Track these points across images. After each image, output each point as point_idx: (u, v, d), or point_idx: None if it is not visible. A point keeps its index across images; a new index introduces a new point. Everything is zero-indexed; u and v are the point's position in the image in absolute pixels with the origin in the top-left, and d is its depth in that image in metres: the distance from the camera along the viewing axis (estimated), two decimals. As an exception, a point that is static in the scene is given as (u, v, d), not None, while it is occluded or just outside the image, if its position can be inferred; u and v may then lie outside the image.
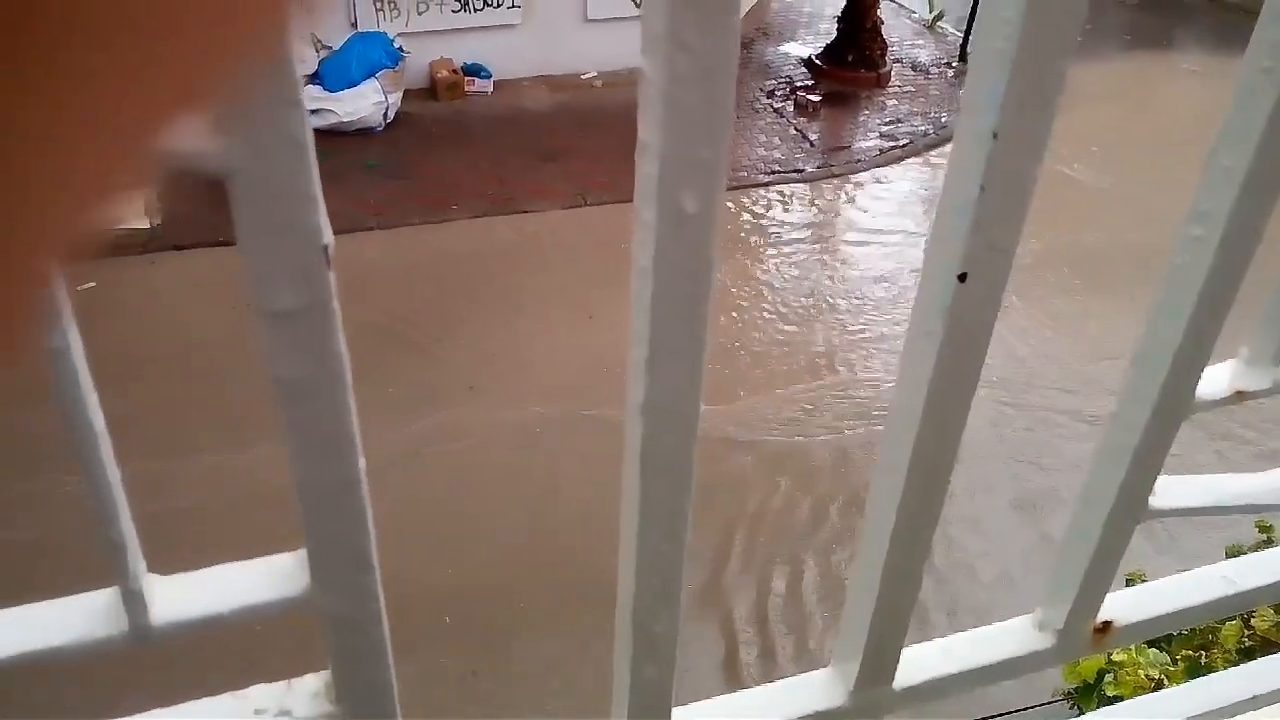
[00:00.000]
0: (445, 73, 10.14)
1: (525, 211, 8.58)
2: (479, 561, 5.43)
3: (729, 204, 8.41)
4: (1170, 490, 0.75)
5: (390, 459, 5.78)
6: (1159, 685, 3.07)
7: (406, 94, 9.79)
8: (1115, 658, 3.19)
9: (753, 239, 8.55)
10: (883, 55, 11.36)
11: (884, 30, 11.44)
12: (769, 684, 0.75)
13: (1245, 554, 1.21)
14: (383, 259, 7.60)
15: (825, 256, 8.45)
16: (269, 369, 0.41)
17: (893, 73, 11.41)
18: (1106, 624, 0.81)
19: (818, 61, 11.40)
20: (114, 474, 0.45)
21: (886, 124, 10.54)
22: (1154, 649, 3.27)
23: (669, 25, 0.37)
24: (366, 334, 6.56)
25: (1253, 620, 3.22)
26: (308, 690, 0.59)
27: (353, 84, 9.19)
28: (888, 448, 0.63)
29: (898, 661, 0.74)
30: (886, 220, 8.95)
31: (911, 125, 10.50)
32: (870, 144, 10.17)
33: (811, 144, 10.07)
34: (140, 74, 0.15)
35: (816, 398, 6.77)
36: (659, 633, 0.61)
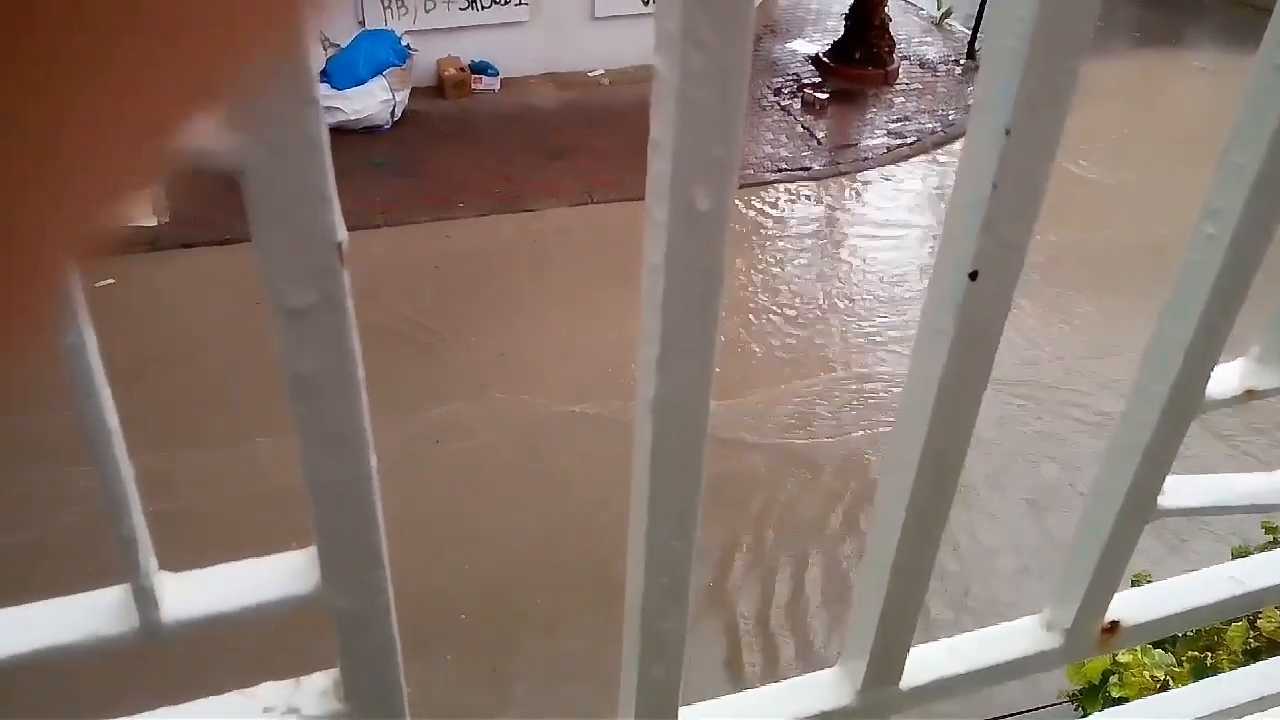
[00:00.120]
0: (452, 70, 10.14)
1: (532, 209, 8.58)
2: (489, 560, 5.43)
3: (735, 201, 8.39)
4: (1179, 490, 0.75)
5: (397, 458, 5.80)
6: (1164, 686, 3.07)
7: (414, 92, 9.80)
8: (1120, 659, 3.18)
9: (759, 237, 8.54)
10: (890, 52, 11.33)
11: (892, 27, 11.41)
12: (776, 683, 0.75)
13: (1252, 554, 1.21)
14: (389, 256, 7.61)
15: (832, 254, 8.44)
16: (283, 366, 0.42)
17: (900, 70, 11.38)
18: (1114, 624, 0.80)
19: (825, 59, 11.38)
20: (127, 470, 0.45)
21: (894, 122, 10.51)
22: (1159, 650, 3.26)
23: (683, 23, 0.37)
24: (373, 332, 6.56)
25: (1259, 621, 3.21)
26: (316, 688, 0.59)
27: (360, 82, 9.20)
28: (897, 446, 0.63)
29: (905, 661, 0.74)
30: (894, 218, 8.93)
31: (919, 123, 10.47)
32: (877, 142, 10.15)
33: (819, 142, 10.05)
34: (154, 70, 0.15)
35: (823, 395, 6.76)
36: (667, 630, 0.61)
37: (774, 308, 7.59)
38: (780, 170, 9.47)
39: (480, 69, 10.29)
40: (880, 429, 6.43)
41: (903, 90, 11.16)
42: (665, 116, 0.40)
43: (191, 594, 0.51)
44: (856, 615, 0.72)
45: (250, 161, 0.36)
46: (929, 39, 12.48)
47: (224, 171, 0.35)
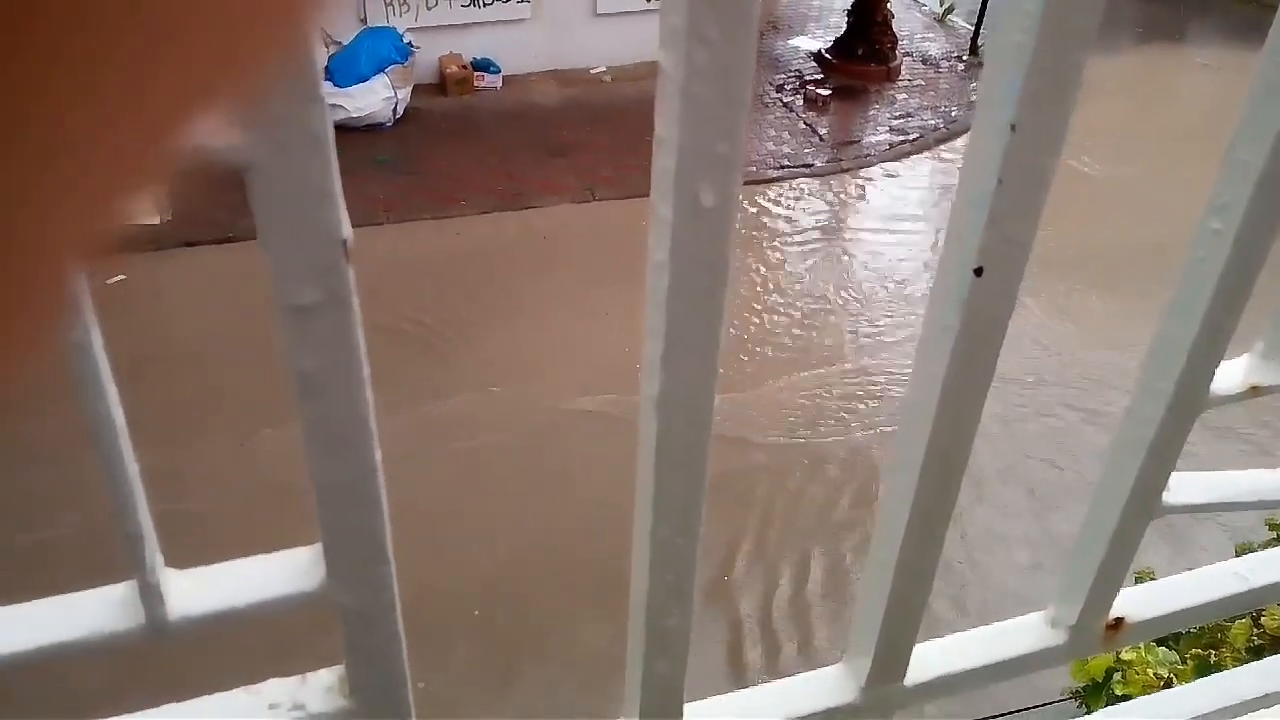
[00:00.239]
0: (454, 68, 10.14)
1: (534, 207, 8.58)
2: (494, 559, 5.43)
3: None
4: (1184, 486, 0.75)
5: (399, 455, 5.80)
6: (1168, 684, 3.07)
7: (416, 89, 9.80)
8: (1124, 656, 3.18)
9: (761, 233, 8.54)
10: (893, 49, 11.32)
11: (894, 24, 11.40)
12: (781, 680, 0.75)
13: (1256, 551, 1.21)
14: (392, 254, 7.61)
15: (834, 251, 8.43)
16: (288, 363, 0.42)
17: (903, 66, 11.37)
18: (1119, 620, 0.80)
19: (827, 55, 11.37)
20: (133, 467, 0.45)
21: (896, 118, 10.50)
22: (1163, 647, 3.26)
23: (689, 20, 0.37)
24: (376, 329, 6.56)
25: (1262, 619, 3.21)
26: (322, 685, 0.59)
27: (362, 79, 9.20)
28: (902, 443, 0.62)
29: (909, 658, 0.74)
30: (896, 214, 8.93)
31: (921, 119, 10.46)
32: (880, 138, 10.14)
33: (821, 138, 10.04)
34: (156, 69, 0.15)
35: (826, 392, 6.76)
36: (671, 627, 0.62)
37: (777, 305, 7.59)
38: (783, 167, 9.46)
39: (482, 66, 10.29)
40: (882, 426, 6.42)
41: (905, 87, 11.15)
42: (670, 112, 0.40)
43: (197, 590, 0.51)
44: (861, 612, 0.72)
45: (256, 159, 0.36)
46: (931, 35, 12.47)
47: (229, 169, 0.35)
